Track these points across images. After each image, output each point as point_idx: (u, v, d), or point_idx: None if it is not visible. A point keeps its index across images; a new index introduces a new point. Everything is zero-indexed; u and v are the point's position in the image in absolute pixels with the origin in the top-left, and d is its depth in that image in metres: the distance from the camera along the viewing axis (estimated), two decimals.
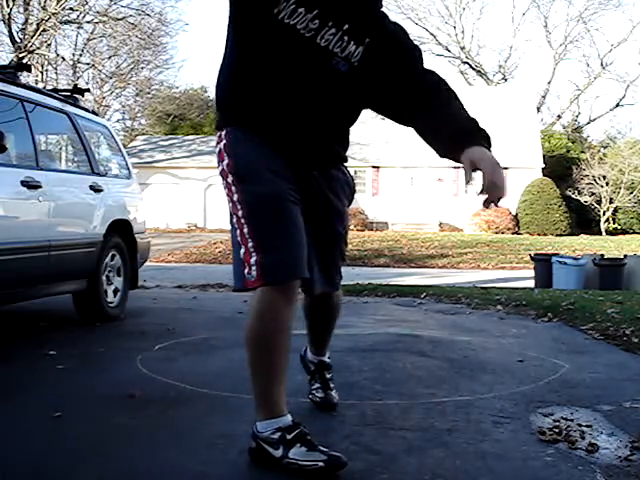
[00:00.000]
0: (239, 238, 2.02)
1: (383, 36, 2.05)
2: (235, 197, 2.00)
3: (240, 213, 2.00)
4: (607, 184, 25.47)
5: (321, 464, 1.92)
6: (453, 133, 2.05)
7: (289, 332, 2.05)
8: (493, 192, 1.96)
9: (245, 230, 1.99)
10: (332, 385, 2.73)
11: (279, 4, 1.89)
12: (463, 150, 1.96)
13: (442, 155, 2.09)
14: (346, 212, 2.31)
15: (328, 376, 2.72)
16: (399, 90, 2.08)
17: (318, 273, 2.22)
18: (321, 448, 1.98)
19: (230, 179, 2.01)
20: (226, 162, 2.01)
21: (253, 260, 1.98)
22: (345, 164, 2.28)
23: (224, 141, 2.03)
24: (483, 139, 2.09)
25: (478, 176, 1.94)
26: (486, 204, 2.02)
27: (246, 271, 2.00)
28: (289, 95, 1.98)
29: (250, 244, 1.99)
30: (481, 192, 1.96)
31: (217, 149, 2.06)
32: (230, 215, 2.07)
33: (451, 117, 2.12)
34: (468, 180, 1.97)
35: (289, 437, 1.98)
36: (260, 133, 2.00)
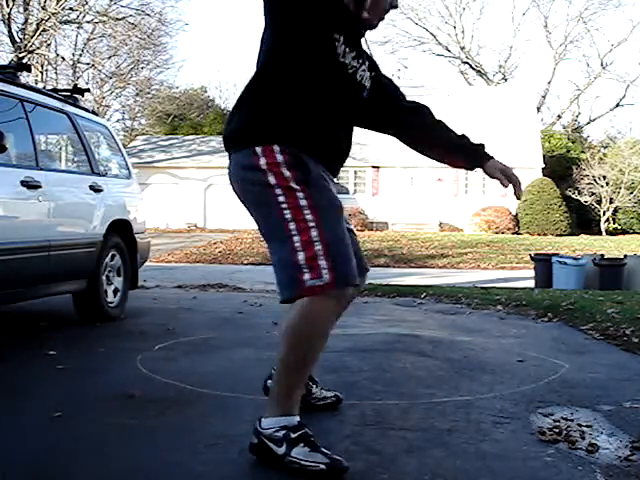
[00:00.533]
0: (298, 243, 2.00)
1: (378, 70, 2.57)
2: (302, 202, 2.03)
3: (308, 217, 2.01)
4: (607, 184, 25.47)
5: (323, 467, 1.94)
6: (468, 154, 2.52)
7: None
8: (518, 186, 2.36)
9: (313, 234, 2.00)
10: None
11: (337, 46, 2.15)
12: (484, 165, 2.42)
13: (455, 167, 2.61)
14: None
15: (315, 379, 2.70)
16: (390, 110, 2.58)
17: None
18: (323, 450, 1.99)
19: (295, 186, 2.05)
20: (288, 173, 2.07)
21: (323, 264, 1.98)
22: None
23: (283, 155, 2.09)
24: (486, 150, 2.48)
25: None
26: (518, 194, 2.38)
27: (309, 276, 1.97)
28: (333, 119, 2.22)
29: (318, 247, 1.99)
30: (517, 192, 2.37)
31: (265, 162, 2.10)
32: (278, 223, 2.05)
33: (457, 141, 2.60)
34: (506, 185, 2.37)
35: (293, 436, 2.00)
36: (309, 151, 2.15)
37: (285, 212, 2.04)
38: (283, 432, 2.01)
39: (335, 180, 2.37)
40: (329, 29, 2.12)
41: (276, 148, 2.10)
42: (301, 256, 1.98)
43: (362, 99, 2.37)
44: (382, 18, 2.36)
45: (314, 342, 2.10)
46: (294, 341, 2.06)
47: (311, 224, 2.01)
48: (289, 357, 2.06)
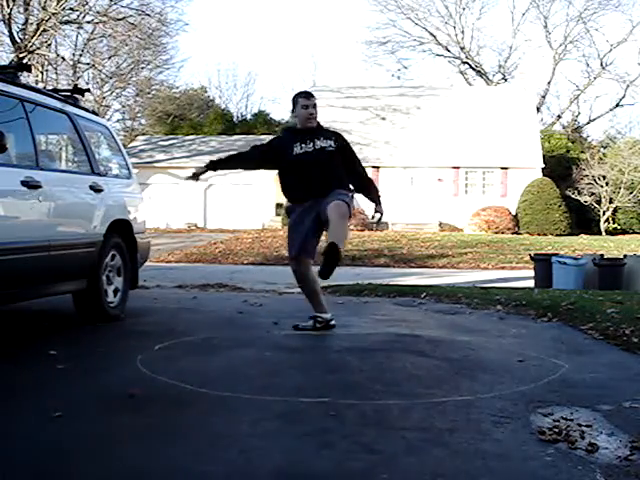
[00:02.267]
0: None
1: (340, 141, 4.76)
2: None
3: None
4: (607, 184, 25.44)
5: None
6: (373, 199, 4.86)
7: None
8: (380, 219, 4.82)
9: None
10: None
11: (294, 147, 4.61)
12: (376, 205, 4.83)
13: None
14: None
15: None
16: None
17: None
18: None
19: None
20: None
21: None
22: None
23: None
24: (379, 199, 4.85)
25: None
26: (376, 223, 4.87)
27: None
28: (304, 183, 4.58)
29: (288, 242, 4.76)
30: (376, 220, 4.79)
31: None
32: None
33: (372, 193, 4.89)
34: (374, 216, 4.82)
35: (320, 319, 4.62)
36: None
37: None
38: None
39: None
40: (289, 147, 4.59)
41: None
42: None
43: (326, 155, 4.58)
44: (310, 121, 4.65)
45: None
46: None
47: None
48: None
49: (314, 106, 4.65)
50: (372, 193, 4.82)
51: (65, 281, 4.41)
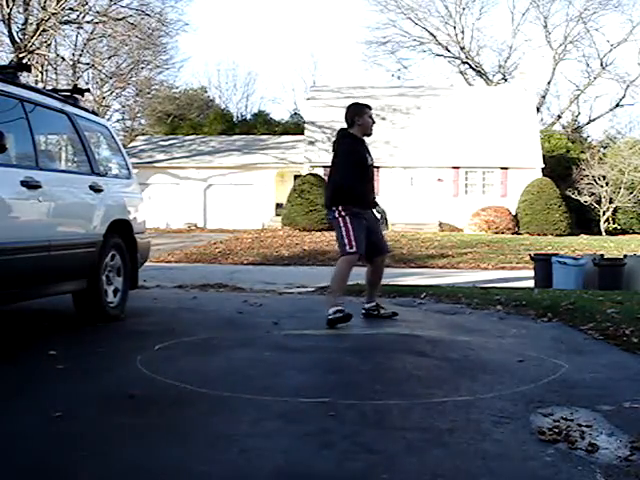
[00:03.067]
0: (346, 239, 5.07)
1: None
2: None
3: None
4: (607, 184, 25.43)
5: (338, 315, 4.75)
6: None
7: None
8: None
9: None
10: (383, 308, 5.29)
11: (367, 158, 5.22)
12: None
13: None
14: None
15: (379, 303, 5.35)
16: None
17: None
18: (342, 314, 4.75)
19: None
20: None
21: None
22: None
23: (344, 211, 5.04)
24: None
25: None
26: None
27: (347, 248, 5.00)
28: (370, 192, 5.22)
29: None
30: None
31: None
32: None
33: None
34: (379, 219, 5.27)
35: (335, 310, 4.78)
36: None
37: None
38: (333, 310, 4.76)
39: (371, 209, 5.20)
40: (363, 153, 5.23)
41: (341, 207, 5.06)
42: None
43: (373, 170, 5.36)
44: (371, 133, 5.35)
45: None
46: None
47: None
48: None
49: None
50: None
51: (65, 281, 4.41)
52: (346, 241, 4.92)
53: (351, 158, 5.10)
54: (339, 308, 4.74)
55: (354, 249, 4.93)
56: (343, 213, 4.96)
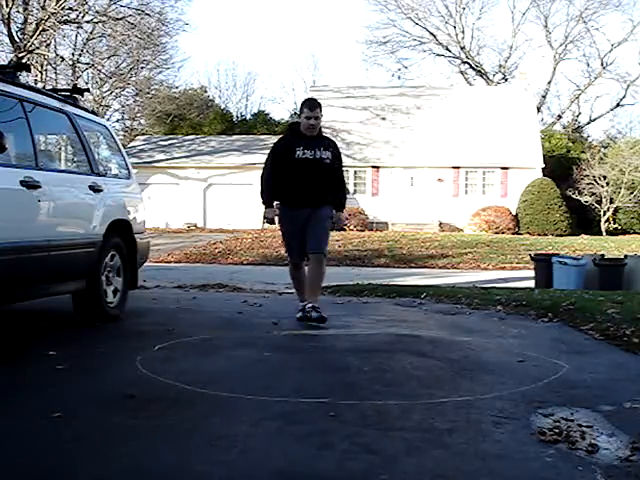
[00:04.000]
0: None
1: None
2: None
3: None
4: (607, 184, 25.42)
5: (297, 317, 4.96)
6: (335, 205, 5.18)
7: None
8: (337, 224, 5.18)
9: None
10: (316, 311, 4.87)
11: (296, 153, 4.95)
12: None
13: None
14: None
15: (316, 306, 4.89)
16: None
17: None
18: (304, 313, 4.88)
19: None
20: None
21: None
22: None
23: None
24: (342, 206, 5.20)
25: None
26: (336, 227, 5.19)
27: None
28: (300, 189, 5.00)
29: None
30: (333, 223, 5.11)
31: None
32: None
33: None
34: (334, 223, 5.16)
35: (300, 308, 4.98)
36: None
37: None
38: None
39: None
40: (293, 148, 4.96)
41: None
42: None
43: (323, 167, 5.00)
44: (311, 131, 4.97)
45: (293, 281, 5.30)
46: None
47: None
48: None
49: (317, 118, 4.94)
50: (336, 200, 5.13)
51: (64, 281, 4.40)
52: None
53: (272, 155, 5.09)
54: (301, 306, 4.98)
55: (290, 258, 5.17)
56: (278, 212, 5.11)
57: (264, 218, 5.16)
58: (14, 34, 22.06)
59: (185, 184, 26.28)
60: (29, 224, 3.97)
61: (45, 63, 24.93)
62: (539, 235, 22.44)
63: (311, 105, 4.98)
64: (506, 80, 37.48)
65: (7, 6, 20.98)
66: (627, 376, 3.36)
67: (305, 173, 4.92)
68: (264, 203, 5.07)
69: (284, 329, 4.64)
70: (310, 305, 4.83)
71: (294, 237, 5.02)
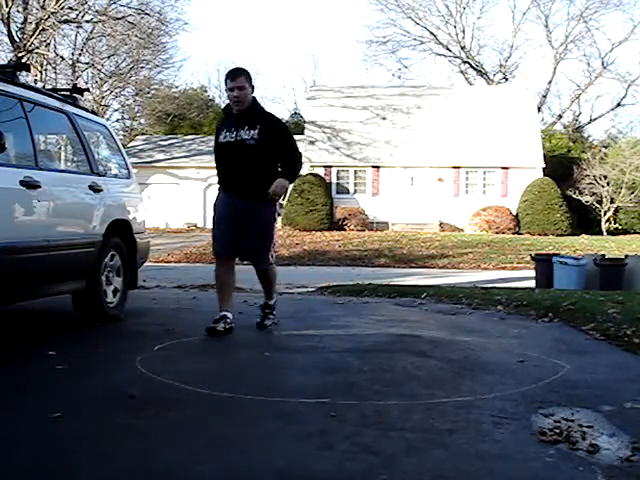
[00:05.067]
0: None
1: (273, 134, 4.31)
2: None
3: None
4: (608, 184, 25.42)
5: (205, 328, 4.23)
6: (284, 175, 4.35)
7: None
8: (275, 192, 4.21)
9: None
10: (269, 317, 4.58)
11: (220, 136, 4.38)
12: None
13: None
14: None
15: (267, 310, 4.58)
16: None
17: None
18: (216, 324, 4.22)
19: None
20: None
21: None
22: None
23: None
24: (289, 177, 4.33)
25: None
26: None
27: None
28: (225, 176, 4.43)
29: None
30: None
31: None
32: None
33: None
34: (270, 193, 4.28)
35: (214, 318, 4.31)
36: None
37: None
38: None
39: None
40: (220, 130, 4.39)
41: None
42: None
43: (245, 150, 4.24)
44: (237, 105, 4.27)
45: (216, 282, 4.50)
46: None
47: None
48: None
49: (241, 88, 4.19)
50: (286, 172, 4.33)
51: (64, 281, 4.40)
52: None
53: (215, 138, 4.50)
54: (218, 316, 4.30)
55: (214, 247, 4.48)
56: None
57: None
58: (14, 34, 22.06)
59: (185, 184, 26.28)
60: (29, 224, 3.97)
61: (45, 63, 24.93)
62: (539, 235, 22.44)
63: (233, 74, 4.25)
64: (506, 80, 37.48)
65: (7, 6, 20.98)
66: (628, 376, 3.35)
67: (228, 159, 4.31)
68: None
69: (284, 329, 4.64)
70: (264, 308, 4.54)
71: (223, 221, 4.31)
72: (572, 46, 37.23)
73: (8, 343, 4.11)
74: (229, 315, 4.32)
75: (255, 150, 4.21)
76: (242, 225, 4.27)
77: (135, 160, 23.57)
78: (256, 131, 4.20)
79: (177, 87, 35.84)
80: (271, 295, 4.56)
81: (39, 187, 3.97)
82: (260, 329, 4.47)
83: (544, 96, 36.98)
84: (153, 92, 31.61)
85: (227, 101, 4.44)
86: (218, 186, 4.50)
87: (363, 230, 22.90)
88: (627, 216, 26.17)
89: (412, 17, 37.37)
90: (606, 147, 29.73)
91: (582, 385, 3.15)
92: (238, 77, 4.22)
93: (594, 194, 25.56)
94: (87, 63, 27.19)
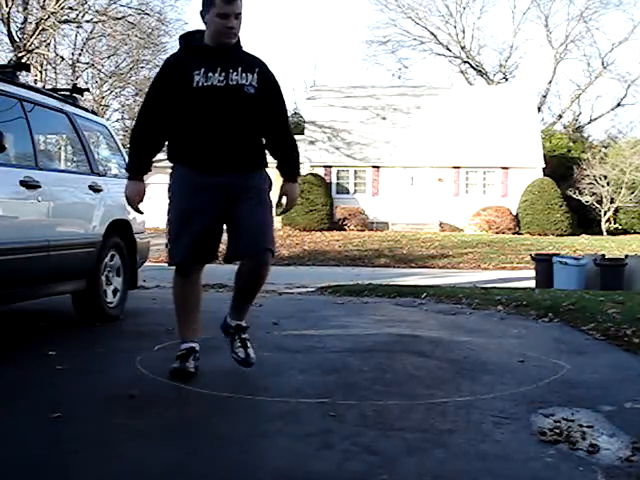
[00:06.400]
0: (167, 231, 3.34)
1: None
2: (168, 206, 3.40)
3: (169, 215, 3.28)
4: (608, 184, 25.42)
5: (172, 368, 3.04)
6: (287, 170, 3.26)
7: None
8: (289, 206, 3.27)
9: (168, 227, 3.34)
10: (249, 344, 3.27)
11: (194, 79, 2.97)
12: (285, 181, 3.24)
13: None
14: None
15: (245, 336, 3.28)
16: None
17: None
18: (183, 364, 3.07)
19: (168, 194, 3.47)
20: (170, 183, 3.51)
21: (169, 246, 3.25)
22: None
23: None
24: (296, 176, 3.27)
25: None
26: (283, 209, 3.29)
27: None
28: (206, 140, 3.11)
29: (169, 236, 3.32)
30: (282, 208, 3.27)
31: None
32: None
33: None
34: (278, 204, 3.24)
35: (177, 354, 3.13)
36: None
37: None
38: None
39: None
40: (188, 72, 2.97)
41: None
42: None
43: (243, 99, 3.00)
44: (228, 37, 2.97)
45: (175, 301, 3.28)
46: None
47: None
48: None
49: (237, 16, 2.94)
50: (286, 162, 3.23)
51: (64, 281, 4.40)
52: (166, 239, 3.17)
53: (156, 82, 3.09)
54: (184, 349, 3.13)
55: (171, 257, 3.15)
56: (170, 180, 3.30)
57: (127, 199, 3.23)
58: (14, 34, 22.05)
59: None
60: (29, 224, 3.97)
61: (45, 63, 24.93)
62: (540, 235, 22.44)
63: None
64: (506, 80, 37.48)
65: (7, 6, 20.97)
66: (628, 376, 3.35)
67: (213, 111, 2.96)
68: (128, 169, 3.27)
69: (284, 329, 4.63)
70: (238, 332, 3.24)
71: (194, 222, 3.02)
72: (572, 46, 37.25)
73: (8, 343, 4.11)
74: (197, 347, 3.18)
75: (254, 102, 3.00)
76: (235, 213, 3.03)
77: None
78: (254, 76, 2.99)
79: None
80: (246, 312, 3.34)
81: (39, 187, 3.97)
82: (246, 366, 3.21)
83: (544, 96, 36.99)
84: None
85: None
86: (170, 162, 3.30)
87: (363, 230, 22.91)
88: (627, 216, 26.17)
89: (412, 17, 37.38)
90: (606, 147, 29.74)
91: (582, 385, 3.15)
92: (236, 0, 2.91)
93: (594, 194, 25.56)
94: (87, 63, 27.18)
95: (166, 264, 3.31)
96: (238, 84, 2.98)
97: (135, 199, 3.27)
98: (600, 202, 25.74)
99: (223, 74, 2.96)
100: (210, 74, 2.95)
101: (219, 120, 2.98)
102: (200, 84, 2.95)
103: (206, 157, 3.05)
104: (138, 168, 3.27)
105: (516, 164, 24.33)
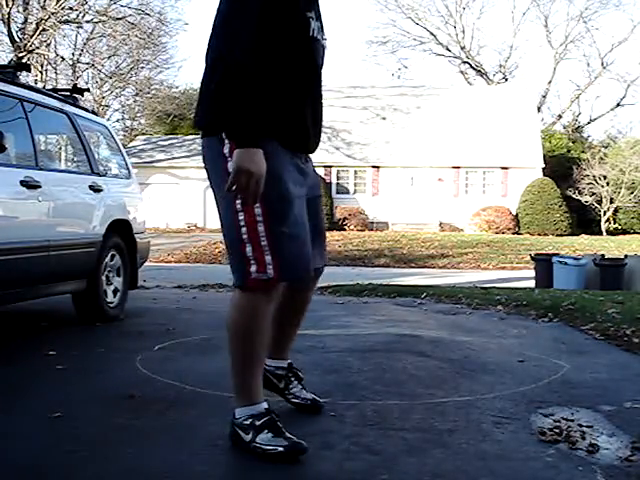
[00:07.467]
0: (246, 236, 2.10)
1: None
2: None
3: (257, 211, 2.06)
4: (608, 184, 25.44)
5: (281, 449, 2.08)
6: None
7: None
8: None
9: (260, 229, 2.09)
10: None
11: (310, 26, 2.12)
12: None
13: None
14: None
15: (297, 371, 2.63)
16: None
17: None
18: (286, 435, 2.12)
19: None
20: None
21: (269, 259, 2.07)
22: None
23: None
24: None
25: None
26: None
27: (255, 269, 2.07)
28: (297, 97, 2.18)
29: (264, 243, 2.10)
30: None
31: (228, 149, 2.06)
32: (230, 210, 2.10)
33: None
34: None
35: (258, 423, 2.12)
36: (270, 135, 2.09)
37: (237, 202, 2.02)
38: (250, 420, 2.13)
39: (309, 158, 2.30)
40: (303, 12, 2.09)
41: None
42: (249, 249, 2.05)
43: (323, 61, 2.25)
44: None
45: (251, 336, 2.14)
46: (233, 335, 2.15)
47: (258, 218, 2.03)
48: (234, 351, 2.17)
49: None
50: None
51: (64, 281, 4.40)
52: (249, 248, 2.06)
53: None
54: (259, 409, 2.17)
55: (268, 271, 2.06)
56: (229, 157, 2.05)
57: (239, 180, 1.90)
58: (14, 34, 22.06)
59: (185, 184, 26.27)
60: (29, 224, 3.97)
61: (45, 63, 24.94)
62: (539, 235, 22.45)
63: None
64: (506, 80, 37.49)
65: (7, 6, 20.98)
66: (627, 376, 3.36)
67: (318, 77, 2.25)
68: (243, 133, 1.92)
69: None
70: (293, 370, 2.59)
71: (303, 218, 2.17)
72: (572, 46, 37.36)
73: (8, 343, 4.11)
74: (281, 361, 2.59)
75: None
76: (310, 215, 2.25)
77: (135, 160, 23.58)
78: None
79: (177, 87, 35.84)
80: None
81: (39, 187, 3.97)
82: (320, 407, 2.60)
83: (544, 96, 37.01)
84: (153, 92, 31.60)
85: None
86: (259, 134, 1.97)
87: (363, 230, 22.91)
88: (627, 216, 26.18)
89: (412, 17, 37.42)
90: (606, 147, 29.76)
91: (582, 385, 3.15)
92: None
93: (594, 194, 25.57)
94: (87, 63, 27.20)
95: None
96: (325, 45, 2.24)
97: (260, 171, 1.94)
98: (600, 202, 25.75)
99: (321, 29, 2.21)
100: (316, 23, 2.16)
101: (320, 89, 2.27)
102: (314, 34, 2.14)
103: (306, 132, 2.19)
104: (259, 128, 1.96)
105: (516, 164, 24.34)
